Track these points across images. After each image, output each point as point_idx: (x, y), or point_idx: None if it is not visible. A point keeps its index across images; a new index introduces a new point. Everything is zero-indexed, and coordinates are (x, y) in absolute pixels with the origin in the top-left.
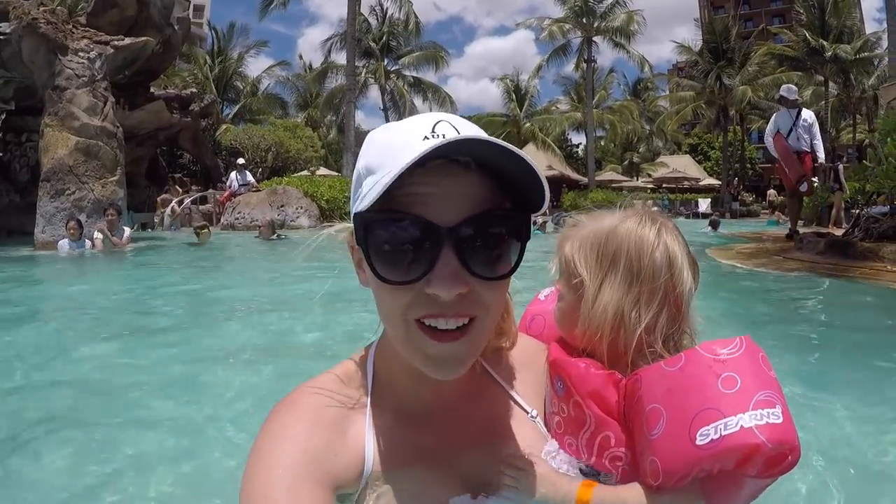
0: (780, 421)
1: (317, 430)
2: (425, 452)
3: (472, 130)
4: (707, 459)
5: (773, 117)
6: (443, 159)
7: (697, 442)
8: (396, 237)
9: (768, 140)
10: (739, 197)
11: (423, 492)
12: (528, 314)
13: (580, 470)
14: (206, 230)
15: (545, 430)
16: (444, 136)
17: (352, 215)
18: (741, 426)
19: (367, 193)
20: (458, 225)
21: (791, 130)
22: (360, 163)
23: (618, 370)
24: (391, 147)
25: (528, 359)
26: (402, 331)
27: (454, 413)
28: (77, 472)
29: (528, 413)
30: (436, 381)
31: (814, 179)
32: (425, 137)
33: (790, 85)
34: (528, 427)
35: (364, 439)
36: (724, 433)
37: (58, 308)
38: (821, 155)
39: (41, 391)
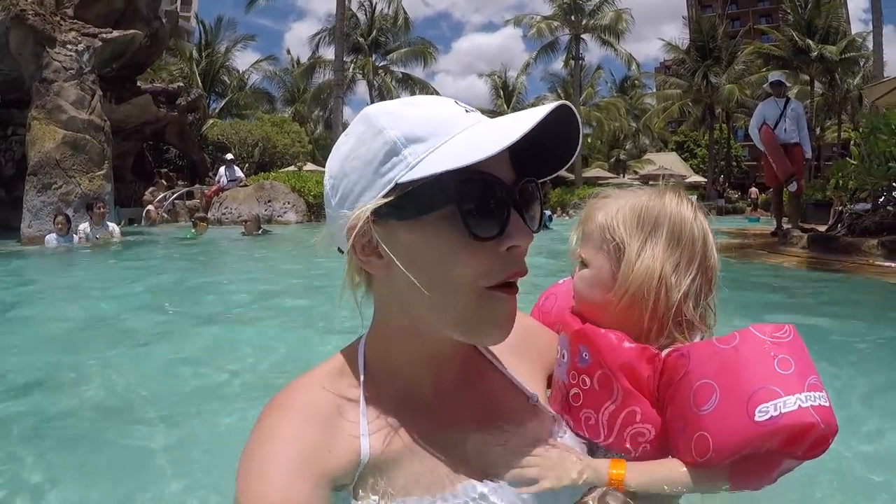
0: (827, 405)
1: (309, 427)
2: (424, 440)
3: None
4: (763, 436)
5: (758, 108)
6: None
7: (756, 418)
8: (484, 194)
9: (753, 132)
10: (725, 194)
11: (424, 479)
12: (543, 294)
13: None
14: (203, 223)
15: (547, 409)
16: (474, 110)
17: (373, 187)
18: (799, 405)
19: (428, 155)
20: (515, 185)
21: (779, 121)
22: (391, 133)
23: (650, 338)
24: (436, 119)
25: (526, 338)
26: (473, 300)
27: (453, 398)
28: (57, 474)
29: (526, 395)
30: (438, 368)
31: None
32: (468, 111)
33: (780, 76)
34: (528, 409)
35: (359, 432)
36: (783, 411)
37: (45, 302)
38: (807, 148)
39: (25, 388)
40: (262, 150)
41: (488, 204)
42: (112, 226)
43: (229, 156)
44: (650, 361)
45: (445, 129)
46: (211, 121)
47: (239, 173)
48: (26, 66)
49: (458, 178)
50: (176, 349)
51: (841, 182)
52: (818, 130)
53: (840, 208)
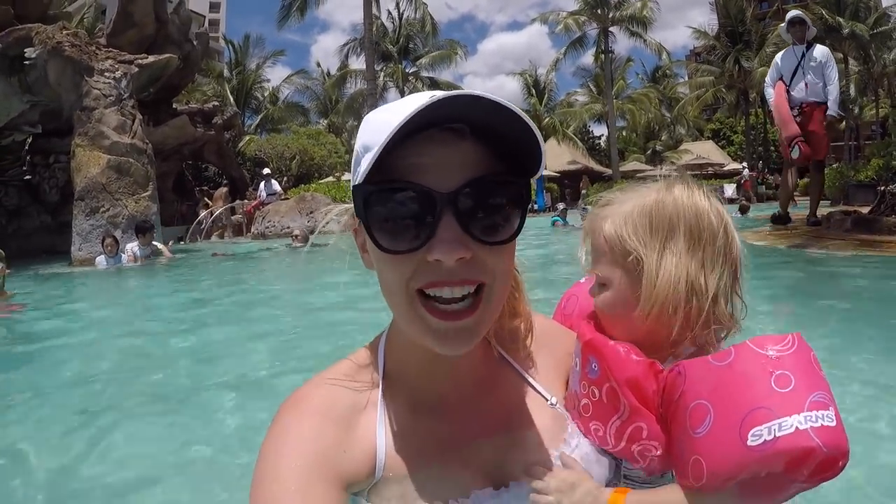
0: (833, 424)
1: (326, 426)
2: (441, 444)
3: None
4: (758, 462)
5: (774, 59)
6: (436, 128)
7: (749, 442)
8: (396, 206)
9: (768, 91)
10: (764, 180)
11: (440, 485)
12: (564, 296)
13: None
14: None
15: (565, 414)
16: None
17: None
18: (796, 428)
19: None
20: (457, 191)
21: (795, 74)
22: (358, 143)
23: (680, 347)
24: (387, 123)
25: (547, 341)
26: (405, 305)
27: (470, 402)
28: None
29: (546, 400)
30: (451, 368)
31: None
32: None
33: (799, 12)
34: (548, 415)
35: (375, 433)
36: (778, 434)
37: (102, 321)
38: (832, 99)
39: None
40: (300, 163)
41: (401, 214)
42: (160, 245)
43: (266, 171)
44: (656, 377)
45: (384, 136)
46: (247, 137)
47: (276, 187)
48: (66, 95)
49: (366, 191)
50: (221, 359)
51: (883, 161)
52: (856, 110)
53: (883, 188)
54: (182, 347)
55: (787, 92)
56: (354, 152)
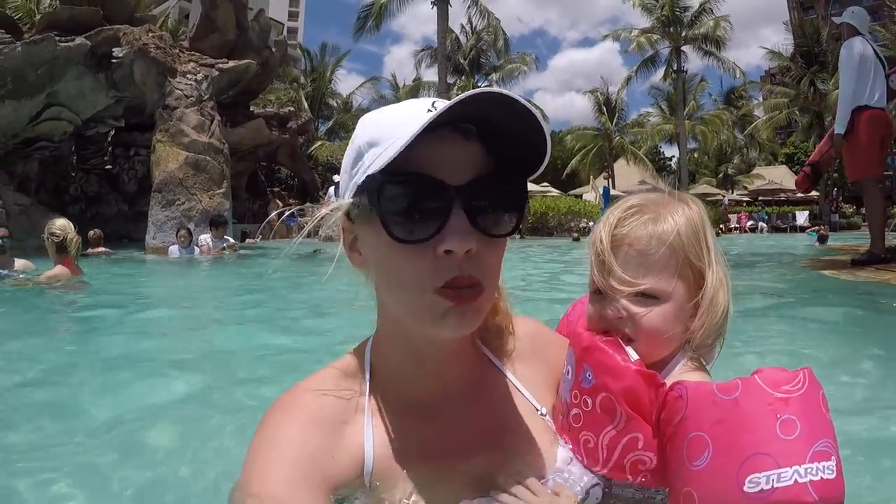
0: (833, 476)
1: (312, 431)
2: (429, 449)
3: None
4: None
5: None
6: (447, 128)
7: (745, 488)
8: (410, 196)
9: None
10: (839, 209)
11: (428, 491)
12: (572, 304)
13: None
14: None
15: (554, 427)
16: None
17: (348, 189)
18: (795, 480)
19: (376, 159)
20: (467, 185)
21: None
22: (359, 140)
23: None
24: (394, 122)
25: (539, 348)
26: (417, 298)
27: (459, 407)
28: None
29: (537, 409)
30: (439, 371)
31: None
32: (429, 111)
33: (857, 8)
34: (539, 426)
35: (363, 437)
36: (776, 485)
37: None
38: (838, 120)
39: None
40: None
41: (413, 205)
42: (231, 240)
43: (336, 177)
44: (656, 390)
45: (395, 132)
46: (319, 142)
47: None
48: (150, 94)
49: (381, 181)
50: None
51: None
52: None
53: None
54: (230, 338)
55: None
56: (354, 149)
